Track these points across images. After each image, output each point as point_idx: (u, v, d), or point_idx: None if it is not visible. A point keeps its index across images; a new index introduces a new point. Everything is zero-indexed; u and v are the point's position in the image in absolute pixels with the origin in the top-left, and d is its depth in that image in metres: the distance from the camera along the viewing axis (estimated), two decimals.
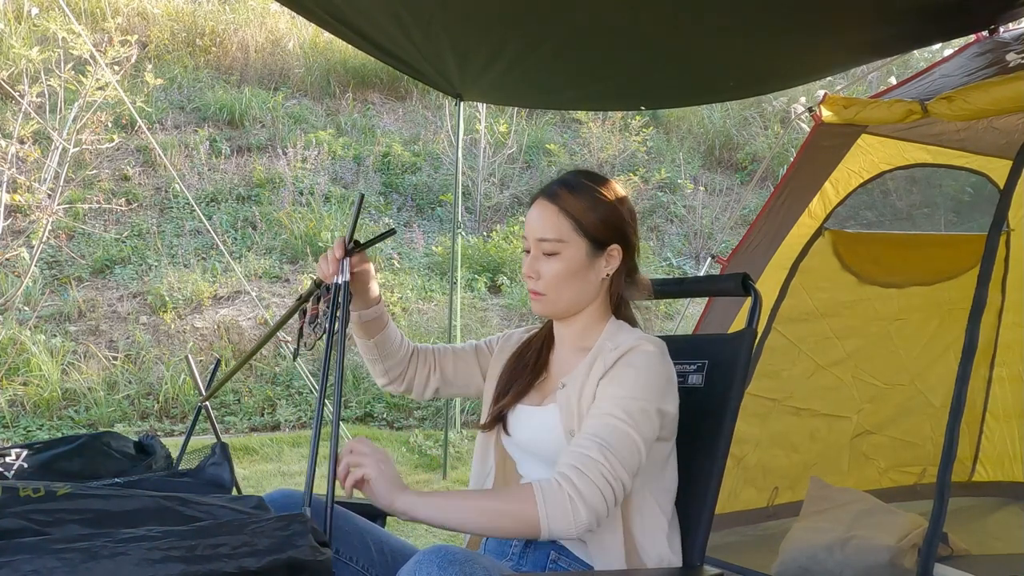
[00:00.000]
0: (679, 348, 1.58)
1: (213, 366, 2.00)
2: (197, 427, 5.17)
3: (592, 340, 1.53)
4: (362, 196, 1.49)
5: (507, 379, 1.61)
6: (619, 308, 1.57)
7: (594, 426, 1.35)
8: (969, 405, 3.50)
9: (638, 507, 1.42)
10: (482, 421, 1.62)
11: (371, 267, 1.59)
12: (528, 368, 1.59)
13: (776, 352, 3.19)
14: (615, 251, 1.51)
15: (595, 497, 1.27)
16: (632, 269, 1.55)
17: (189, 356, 2.05)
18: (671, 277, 1.68)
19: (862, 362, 3.37)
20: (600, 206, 1.50)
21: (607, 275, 1.52)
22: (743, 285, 1.59)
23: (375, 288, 1.63)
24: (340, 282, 1.44)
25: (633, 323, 1.56)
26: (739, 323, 2.94)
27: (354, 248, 1.49)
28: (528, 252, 1.53)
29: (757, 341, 3.13)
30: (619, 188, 1.55)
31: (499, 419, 1.57)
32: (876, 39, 2.67)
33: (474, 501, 1.31)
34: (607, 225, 1.49)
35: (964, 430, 3.50)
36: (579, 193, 1.50)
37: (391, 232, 1.67)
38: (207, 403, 2.00)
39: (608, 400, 1.37)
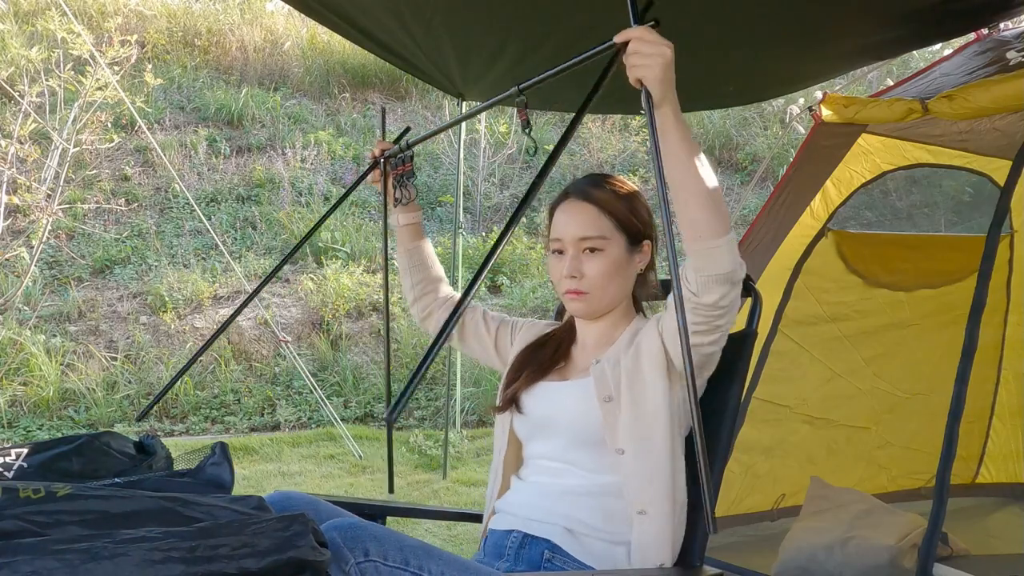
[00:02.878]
0: None
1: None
2: (197, 428, 5.18)
3: (618, 332, 1.56)
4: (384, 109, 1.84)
5: (521, 363, 1.63)
6: (638, 306, 1.63)
7: None
8: (976, 407, 3.51)
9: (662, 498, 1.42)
10: (497, 404, 1.66)
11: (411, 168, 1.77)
12: (546, 357, 1.61)
13: (784, 356, 3.17)
14: (647, 247, 1.56)
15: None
16: (652, 266, 1.60)
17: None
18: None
19: (879, 369, 3.33)
20: (631, 203, 1.55)
21: (640, 271, 1.57)
22: (743, 285, 1.58)
23: (414, 192, 1.79)
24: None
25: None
26: (739, 324, 2.93)
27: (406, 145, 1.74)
28: (559, 253, 1.54)
29: (762, 344, 3.12)
30: (633, 185, 1.61)
31: (512, 400, 1.58)
32: (877, 42, 2.67)
33: (703, 168, 1.30)
34: (640, 221, 1.55)
35: (972, 431, 3.50)
36: (610, 192, 1.54)
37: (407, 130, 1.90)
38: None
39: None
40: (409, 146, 1.76)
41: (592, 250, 1.51)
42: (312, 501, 1.43)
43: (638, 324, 1.56)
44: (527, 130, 1.46)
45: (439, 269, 1.84)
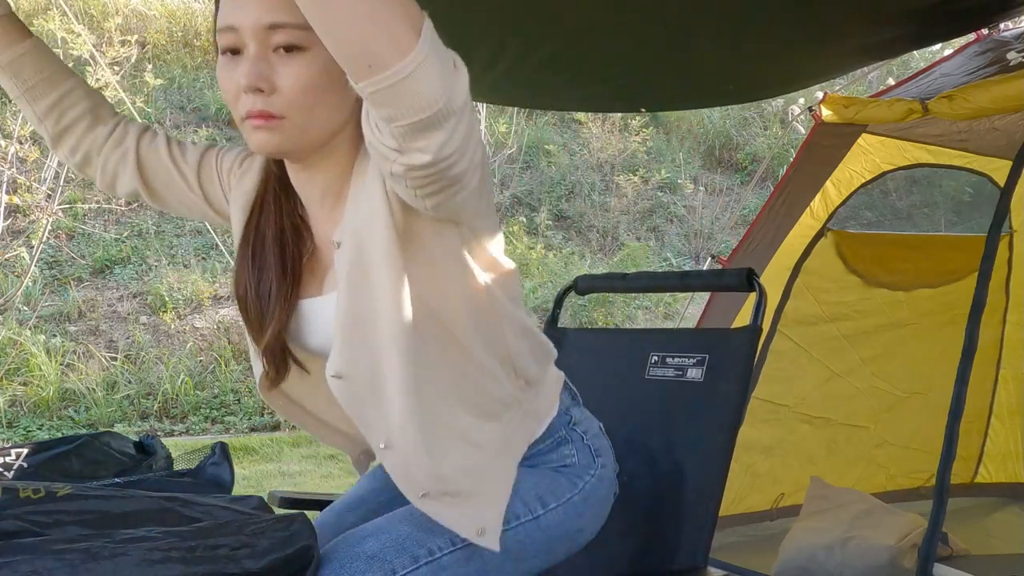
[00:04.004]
0: (678, 341, 1.56)
1: None
2: (197, 428, 5.19)
3: (347, 181, 1.03)
4: None
5: (257, 267, 1.08)
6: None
7: None
8: (975, 406, 3.52)
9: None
10: (255, 370, 1.14)
11: None
12: (274, 240, 1.08)
13: (783, 356, 3.17)
14: None
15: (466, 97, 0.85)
16: None
17: None
18: (673, 271, 1.67)
19: (877, 368, 3.33)
20: None
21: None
22: (748, 280, 1.56)
23: None
24: None
25: None
26: (743, 320, 2.93)
27: None
28: (233, 54, 0.96)
29: (761, 343, 3.12)
30: None
31: (284, 360, 1.11)
32: (877, 42, 2.67)
33: None
34: None
35: (970, 431, 3.51)
36: None
37: None
38: None
39: None
40: None
41: (289, 49, 0.93)
42: None
43: (361, 167, 1.02)
44: None
45: (79, 84, 1.17)
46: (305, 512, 0.98)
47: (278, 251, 1.07)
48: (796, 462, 3.22)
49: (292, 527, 0.91)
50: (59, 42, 5.74)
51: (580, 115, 8.95)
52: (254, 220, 1.10)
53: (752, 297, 1.55)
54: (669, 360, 1.58)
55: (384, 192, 0.95)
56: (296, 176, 1.06)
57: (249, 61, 0.94)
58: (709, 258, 3.86)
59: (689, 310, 5.06)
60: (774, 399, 3.18)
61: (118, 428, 4.88)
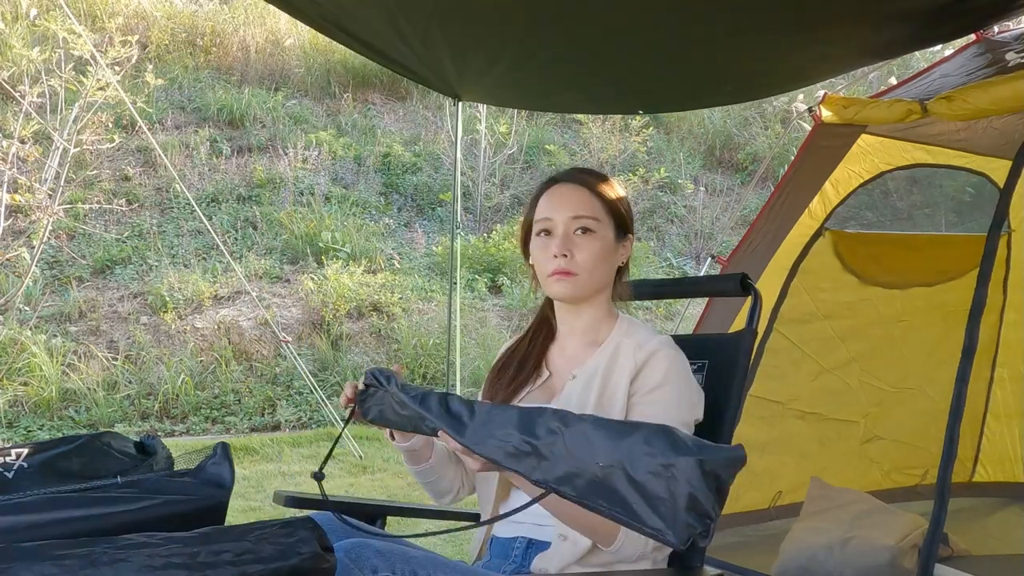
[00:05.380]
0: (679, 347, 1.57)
1: None
2: (198, 428, 5.19)
3: (604, 334, 1.51)
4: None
5: (493, 386, 1.54)
6: (616, 304, 1.57)
7: None
8: (970, 406, 3.51)
9: None
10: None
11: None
12: (525, 366, 1.55)
13: (779, 354, 3.18)
14: (629, 241, 1.54)
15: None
16: (627, 266, 1.58)
17: None
18: (670, 278, 1.68)
19: (867, 365, 3.35)
20: (618, 192, 1.54)
21: (622, 263, 1.54)
22: (742, 285, 1.58)
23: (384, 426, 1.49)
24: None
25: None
26: (739, 324, 2.92)
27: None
28: (547, 234, 1.48)
29: (758, 342, 3.13)
30: None
31: None
32: (876, 42, 2.67)
33: (578, 518, 1.31)
34: (626, 211, 1.53)
35: (965, 430, 3.49)
36: (599, 179, 1.53)
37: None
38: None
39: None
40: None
41: (584, 230, 1.46)
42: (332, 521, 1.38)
43: (619, 336, 1.50)
44: None
45: (458, 481, 1.66)
46: (312, 516, 0.97)
47: (529, 367, 1.54)
48: (792, 459, 3.23)
49: (297, 533, 0.90)
50: (60, 42, 5.75)
51: (580, 115, 8.94)
52: (515, 345, 1.59)
53: (748, 300, 1.56)
54: None
55: (627, 390, 1.41)
56: (566, 318, 1.55)
57: (559, 238, 1.46)
58: (709, 258, 3.86)
59: (690, 310, 5.06)
60: (769, 396, 3.19)
61: (118, 428, 4.88)
